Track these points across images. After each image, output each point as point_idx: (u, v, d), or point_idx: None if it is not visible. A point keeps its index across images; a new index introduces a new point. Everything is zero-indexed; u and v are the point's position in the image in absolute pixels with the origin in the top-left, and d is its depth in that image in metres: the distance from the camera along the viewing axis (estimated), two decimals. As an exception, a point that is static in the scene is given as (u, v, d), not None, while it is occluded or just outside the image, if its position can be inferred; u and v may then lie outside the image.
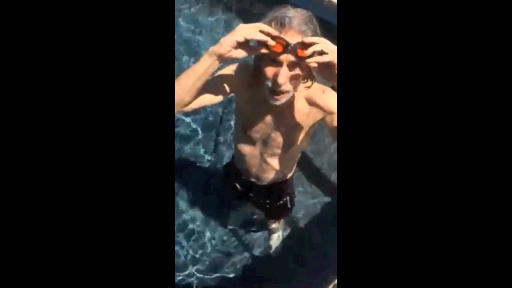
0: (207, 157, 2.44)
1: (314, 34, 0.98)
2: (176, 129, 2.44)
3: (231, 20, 2.80)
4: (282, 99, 1.04)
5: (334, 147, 2.26)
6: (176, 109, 1.06)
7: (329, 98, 1.09)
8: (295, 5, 1.02)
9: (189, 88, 1.01)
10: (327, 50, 0.91)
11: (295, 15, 0.97)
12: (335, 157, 2.21)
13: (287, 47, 0.93)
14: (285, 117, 1.16)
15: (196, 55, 2.67)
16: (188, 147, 2.45)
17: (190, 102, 1.07)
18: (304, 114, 1.16)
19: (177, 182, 2.29)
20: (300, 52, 0.93)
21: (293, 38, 0.95)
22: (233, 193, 1.76)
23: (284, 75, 0.96)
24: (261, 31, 0.93)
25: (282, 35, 0.95)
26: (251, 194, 1.68)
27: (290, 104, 1.12)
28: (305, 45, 0.92)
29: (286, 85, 0.99)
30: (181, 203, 2.28)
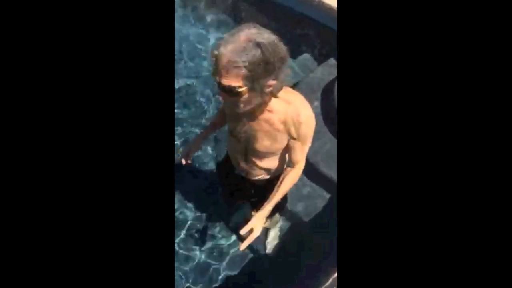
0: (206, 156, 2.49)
1: (247, 65, 1.09)
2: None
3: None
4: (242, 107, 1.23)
5: (330, 144, 2.28)
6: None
7: (300, 130, 1.30)
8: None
9: (201, 140, 1.67)
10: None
11: (227, 50, 1.08)
12: (333, 153, 2.21)
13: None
14: (260, 125, 1.35)
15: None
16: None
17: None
18: (278, 126, 1.33)
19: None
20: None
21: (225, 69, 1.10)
22: (226, 189, 1.85)
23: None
24: None
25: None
26: (242, 189, 1.76)
27: (266, 114, 1.31)
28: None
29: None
30: (178, 200, 2.31)
